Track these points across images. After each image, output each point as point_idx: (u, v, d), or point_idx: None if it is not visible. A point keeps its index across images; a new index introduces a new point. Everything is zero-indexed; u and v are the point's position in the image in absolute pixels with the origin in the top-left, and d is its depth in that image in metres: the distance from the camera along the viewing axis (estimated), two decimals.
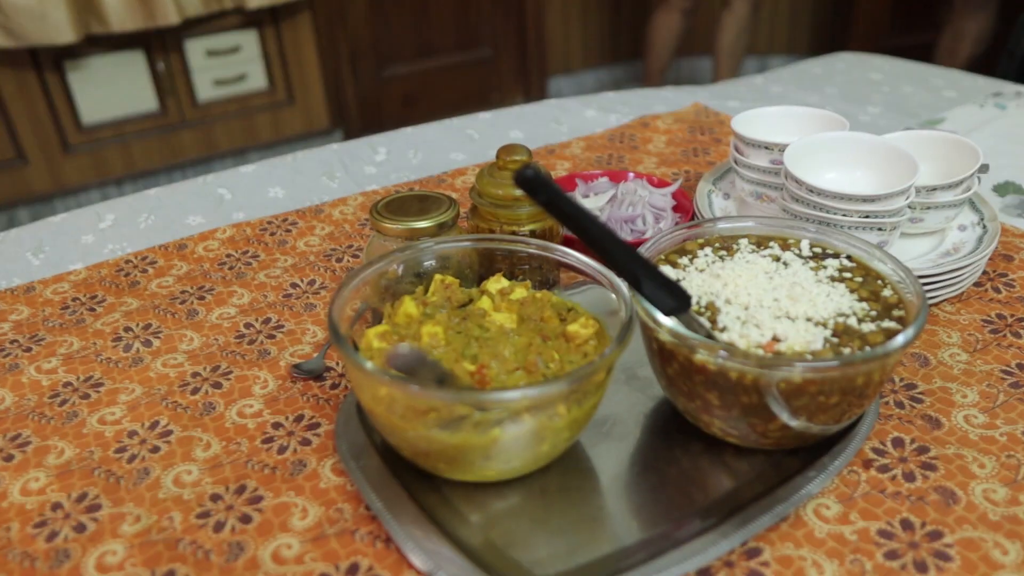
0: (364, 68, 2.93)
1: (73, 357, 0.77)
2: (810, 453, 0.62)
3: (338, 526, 0.57)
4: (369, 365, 0.52)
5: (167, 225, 1.01)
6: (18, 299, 0.87)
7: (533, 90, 3.33)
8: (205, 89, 2.66)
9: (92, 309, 0.84)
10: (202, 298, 0.85)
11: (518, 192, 0.78)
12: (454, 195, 0.90)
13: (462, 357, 0.59)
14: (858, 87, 1.42)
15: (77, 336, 0.80)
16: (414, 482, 0.59)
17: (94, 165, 2.60)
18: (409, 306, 0.64)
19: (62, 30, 2.26)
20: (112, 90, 2.53)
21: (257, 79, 2.73)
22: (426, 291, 0.68)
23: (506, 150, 0.78)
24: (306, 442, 0.64)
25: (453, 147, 1.20)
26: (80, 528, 0.58)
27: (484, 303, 0.65)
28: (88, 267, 0.92)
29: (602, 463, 0.63)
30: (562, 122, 1.28)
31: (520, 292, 0.67)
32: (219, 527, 0.57)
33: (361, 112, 2.96)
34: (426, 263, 0.71)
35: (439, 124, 1.26)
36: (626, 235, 0.88)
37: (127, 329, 0.80)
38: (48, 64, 2.41)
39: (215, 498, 0.59)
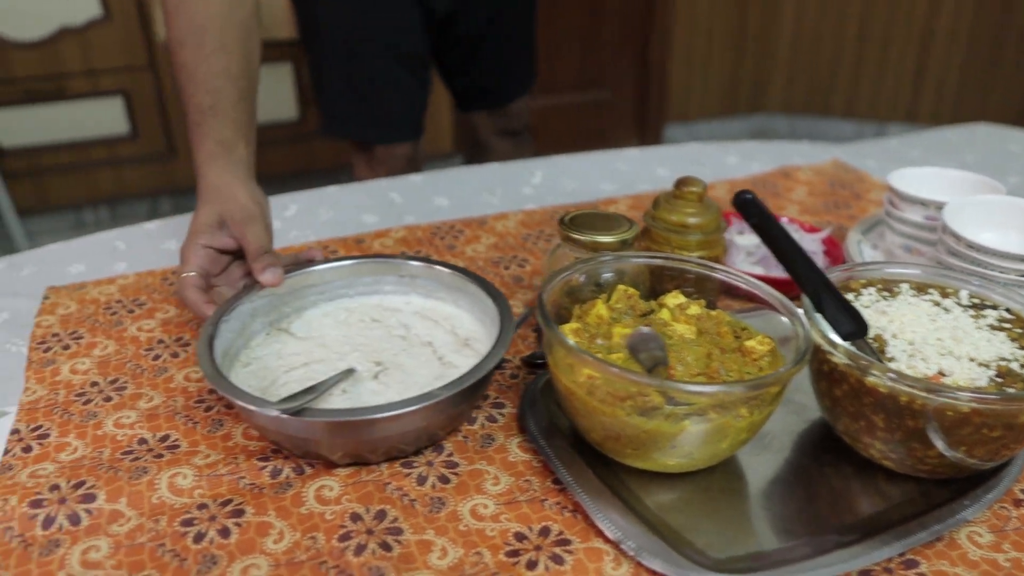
0: None
1: None
2: (960, 486, 0.66)
3: (528, 495, 0.63)
4: (573, 343, 0.60)
5: (344, 221, 1.11)
6: None
7: (648, 135, 3.41)
8: None
9: None
10: None
11: (691, 220, 0.85)
12: None
13: None
14: (997, 157, 1.45)
15: None
16: (596, 465, 0.66)
17: None
18: (601, 309, 0.71)
19: None
20: (260, 97, 2.70)
21: None
22: (608, 299, 0.75)
23: (684, 181, 0.85)
24: (492, 419, 0.72)
25: (603, 178, 1.27)
26: (225, 533, 0.59)
27: (664, 315, 0.72)
28: (279, 249, 1.02)
29: (762, 471, 0.68)
30: (704, 164, 1.35)
31: (695, 309, 0.73)
32: (422, 480, 0.64)
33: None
34: (605, 275, 0.78)
35: (589, 155, 1.34)
36: (778, 273, 0.93)
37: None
38: None
39: (418, 453, 0.67)
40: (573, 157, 1.33)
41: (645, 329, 0.53)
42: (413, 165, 1.61)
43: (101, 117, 2.62)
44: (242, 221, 0.79)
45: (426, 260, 0.80)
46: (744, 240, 0.97)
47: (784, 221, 1.04)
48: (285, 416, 0.57)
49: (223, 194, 0.81)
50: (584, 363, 0.60)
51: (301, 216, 1.11)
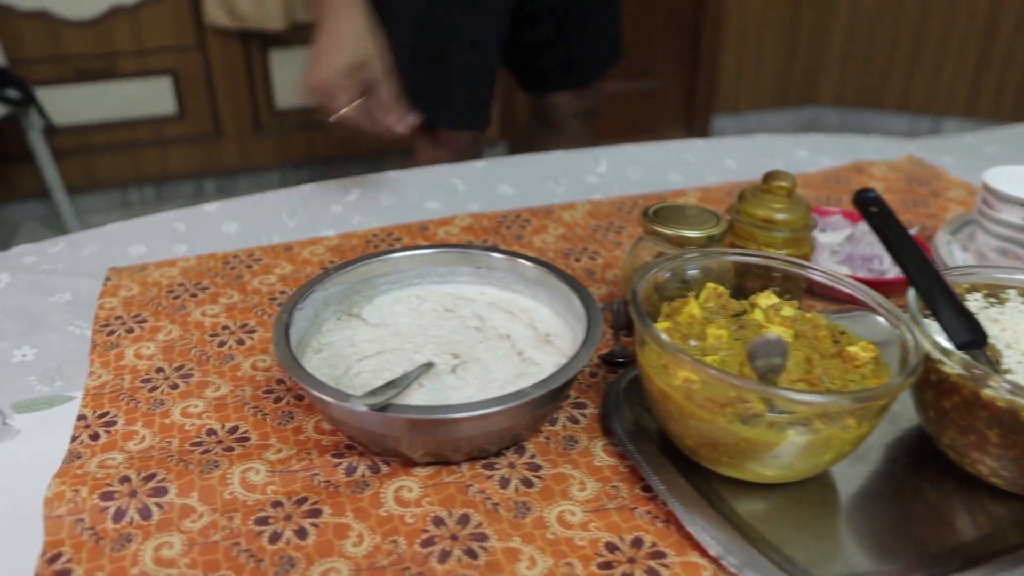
0: None
1: None
2: None
3: (616, 502, 0.60)
4: (672, 343, 0.56)
5: (407, 206, 1.08)
6: (279, 255, 0.95)
7: (696, 127, 3.35)
8: None
9: None
10: None
11: (779, 216, 0.80)
12: None
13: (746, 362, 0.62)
14: None
15: None
16: (687, 471, 0.62)
17: (279, 147, 2.76)
18: (693, 307, 0.67)
19: (275, 17, 2.42)
20: None
21: None
22: (696, 297, 0.71)
23: (772, 175, 0.80)
24: (574, 420, 0.68)
25: (669, 168, 1.23)
26: (302, 534, 0.57)
27: (757, 315, 0.68)
28: (339, 235, 1.00)
29: (855, 482, 0.64)
30: (774, 157, 1.30)
31: (789, 310, 0.69)
32: (505, 483, 0.61)
33: (524, 130, 3.04)
34: (691, 271, 0.74)
35: (655, 145, 1.30)
36: (863, 274, 0.89)
37: None
38: (256, 49, 2.58)
39: (499, 454, 0.64)
40: (639, 146, 1.29)
41: (770, 335, 0.49)
42: (476, 148, 1.57)
43: (149, 97, 2.62)
44: (384, 71, 0.95)
45: (507, 252, 0.76)
46: (827, 238, 0.93)
47: None
48: (368, 411, 0.54)
49: (367, 42, 0.96)
50: (682, 365, 0.57)
51: (363, 201, 1.09)
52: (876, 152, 1.35)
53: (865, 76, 3.40)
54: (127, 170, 2.70)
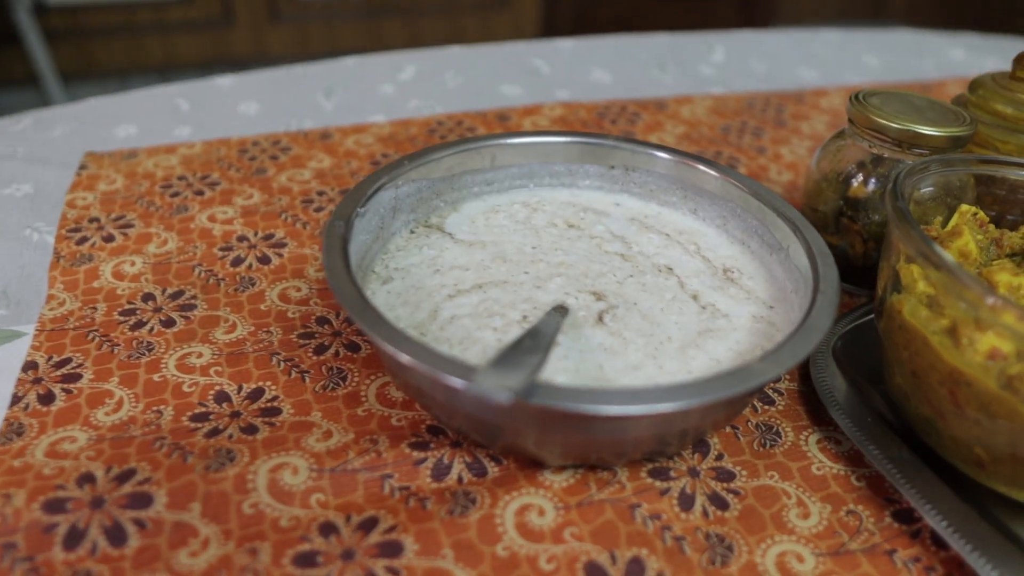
0: None
1: None
2: None
3: (862, 539, 0.38)
4: (983, 284, 0.33)
5: (477, 91, 0.84)
6: (314, 144, 0.71)
7: None
8: None
9: None
10: None
11: None
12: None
13: None
14: None
15: None
16: (955, 489, 0.39)
17: (296, 38, 2.49)
18: (969, 242, 0.43)
19: None
20: None
21: None
22: (944, 224, 0.48)
23: None
24: (767, 400, 0.46)
25: (799, 61, 0.98)
26: None
27: None
28: (392, 121, 0.76)
29: None
30: (923, 56, 1.04)
31: None
32: (686, 503, 0.39)
33: (571, 29, 2.76)
34: (924, 188, 0.50)
35: (781, 34, 1.04)
36: None
37: None
38: None
39: (701, 469, 0.41)
40: (760, 34, 1.03)
41: None
42: None
43: None
44: None
45: (668, 149, 0.52)
46: None
47: None
48: (512, 399, 0.30)
49: None
50: (1002, 326, 0.33)
51: (422, 81, 0.84)
52: None
53: None
54: (127, 57, 2.42)
